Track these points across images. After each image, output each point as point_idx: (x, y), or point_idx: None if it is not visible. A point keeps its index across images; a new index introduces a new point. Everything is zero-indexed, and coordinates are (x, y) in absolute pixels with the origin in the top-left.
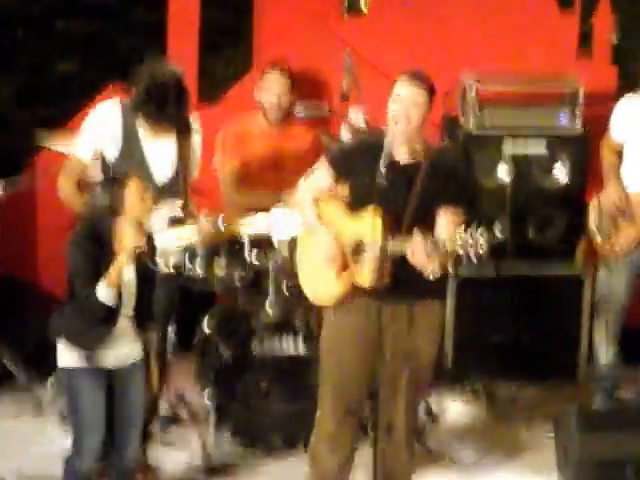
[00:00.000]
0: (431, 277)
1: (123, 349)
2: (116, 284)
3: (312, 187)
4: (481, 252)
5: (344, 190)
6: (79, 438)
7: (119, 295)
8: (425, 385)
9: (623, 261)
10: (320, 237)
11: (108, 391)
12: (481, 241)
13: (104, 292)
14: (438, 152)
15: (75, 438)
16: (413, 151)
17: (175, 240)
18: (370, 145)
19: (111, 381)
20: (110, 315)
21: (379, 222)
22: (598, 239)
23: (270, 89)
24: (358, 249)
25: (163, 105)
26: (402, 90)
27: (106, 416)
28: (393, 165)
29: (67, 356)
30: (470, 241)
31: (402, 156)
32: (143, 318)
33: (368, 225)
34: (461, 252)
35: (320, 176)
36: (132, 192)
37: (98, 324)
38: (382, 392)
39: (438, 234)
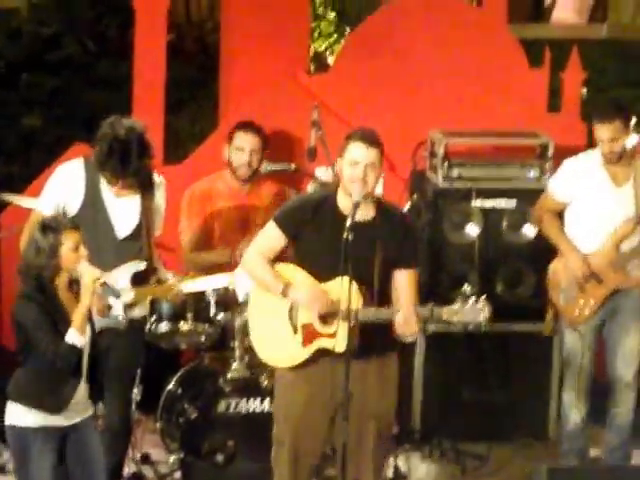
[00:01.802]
0: (408, 340)
1: (79, 409)
2: (84, 327)
3: (263, 250)
4: (482, 323)
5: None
6: None
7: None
8: (390, 439)
9: (589, 323)
10: (300, 294)
11: (64, 454)
12: (483, 313)
13: (74, 336)
14: (390, 209)
15: None
16: (368, 209)
17: (140, 295)
18: (318, 203)
19: (65, 443)
20: (78, 365)
21: (355, 289)
22: (565, 305)
23: (242, 148)
24: (328, 315)
25: (126, 161)
26: (357, 154)
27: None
28: (352, 225)
29: (19, 414)
30: (471, 314)
31: (358, 214)
32: (95, 381)
33: (337, 290)
34: (460, 324)
35: (270, 237)
36: (66, 243)
37: (65, 380)
38: (348, 450)
39: (402, 297)
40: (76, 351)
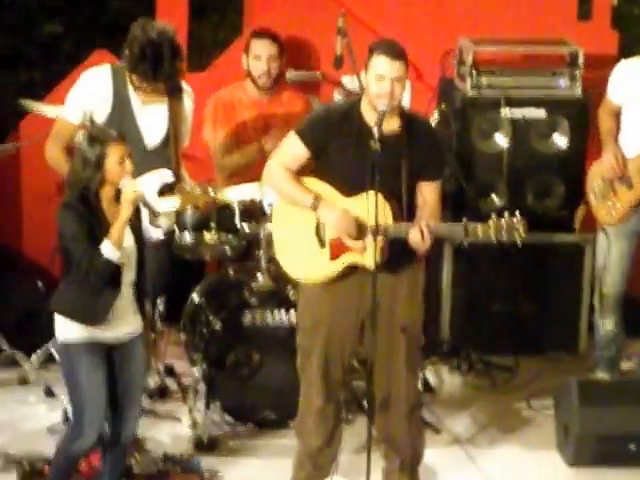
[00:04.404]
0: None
1: (124, 323)
2: (121, 241)
3: (286, 163)
4: (519, 239)
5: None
6: (79, 414)
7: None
8: (420, 351)
9: (622, 228)
10: (328, 213)
11: (108, 368)
12: (520, 230)
13: (109, 250)
14: (415, 120)
15: (75, 414)
16: (393, 121)
17: (166, 207)
18: (342, 115)
19: (111, 357)
20: (115, 277)
21: (386, 205)
22: (595, 204)
23: (258, 56)
24: (360, 230)
25: (158, 65)
26: (383, 68)
27: (106, 394)
28: (379, 136)
29: (66, 330)
30: (507, 230)
31: (384, 126)
32: (143, 287)
33: (368, 204)
34: (494, 239)
35: (293, 150)
36: (112, 155)
37: (103, 291)
38: (379, 364)
39: (429, 209)
40: (109, 264)
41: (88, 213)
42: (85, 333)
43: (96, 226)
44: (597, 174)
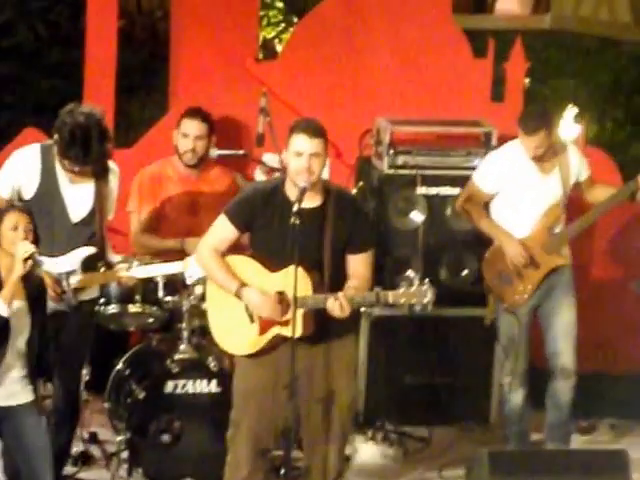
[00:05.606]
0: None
1: (11, 386)
2: (9, 298)
3: (216, 244)
4: (427, 304)
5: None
6: None
7: (8, 323)
8: (350, 424)
9: (524, 306)
10: (251, 298)
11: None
12: (428, 295)
13: None
14: (339, 193)
15: None
16: (316, 196)
17: (87, 281)
18: (267, 194)
19: (2, 430)
20: (2, 334)
21: (307, 276)
22: (502, 290)
23: (187, 134)
24: (282, 302)
25: (88, 148)
26: (301, 145)
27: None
28: (300, 212)
29: None
30: (417, 296)
31: (306, 202)
32: (36, 360)
33: (290, 278)
34: (406, 306)
35: (222, 231)
36: (7, 221)
37: None
38: (307, 436)
39: (356, 280)
40: None
41: None
42: None
43: None
44: (498, 264)
